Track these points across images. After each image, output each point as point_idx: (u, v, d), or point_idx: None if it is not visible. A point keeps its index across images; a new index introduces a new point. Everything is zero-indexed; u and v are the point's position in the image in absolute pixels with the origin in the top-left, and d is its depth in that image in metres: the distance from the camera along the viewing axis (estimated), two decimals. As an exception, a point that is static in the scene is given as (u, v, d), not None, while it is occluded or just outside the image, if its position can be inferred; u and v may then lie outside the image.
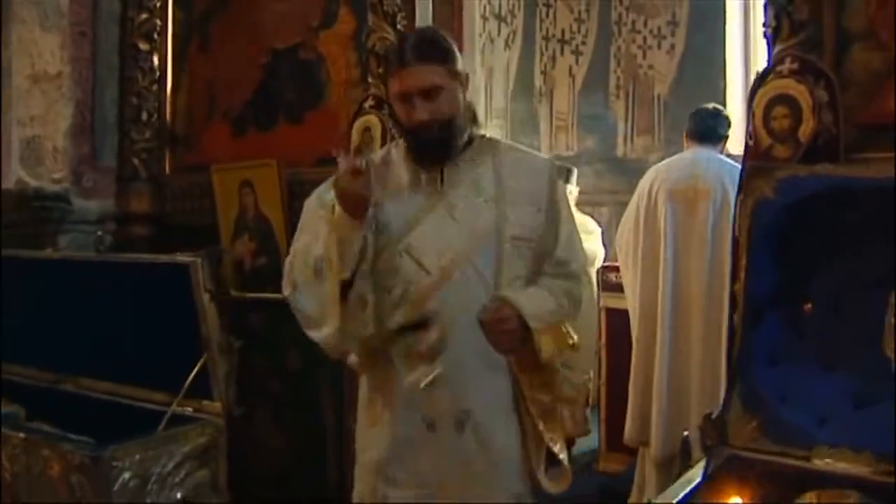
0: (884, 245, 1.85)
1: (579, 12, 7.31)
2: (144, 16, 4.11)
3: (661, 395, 3.93)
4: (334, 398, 3.42)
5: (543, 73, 7.39)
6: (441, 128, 2.13)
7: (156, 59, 4.14)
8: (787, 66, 2.29)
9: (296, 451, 3.59)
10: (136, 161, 4.15)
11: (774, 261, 2.06)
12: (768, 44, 2.37)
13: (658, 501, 1.76)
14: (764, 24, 2.37)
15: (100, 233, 3.35)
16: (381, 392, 2.20)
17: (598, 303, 4.55)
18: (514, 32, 7.11)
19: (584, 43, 7.36)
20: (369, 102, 3.21)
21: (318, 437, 3.51)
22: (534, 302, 2.11)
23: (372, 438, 2.22)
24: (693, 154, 4.05)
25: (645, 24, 7.27)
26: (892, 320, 1.90)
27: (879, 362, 1.89)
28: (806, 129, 2.25)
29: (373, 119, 3.16)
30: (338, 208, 2.04)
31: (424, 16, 3.21)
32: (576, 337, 2.11)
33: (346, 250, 2.05)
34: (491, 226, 2.15)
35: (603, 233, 5.43)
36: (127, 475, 2.54)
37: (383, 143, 3.06)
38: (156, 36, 4.13)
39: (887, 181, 1.76)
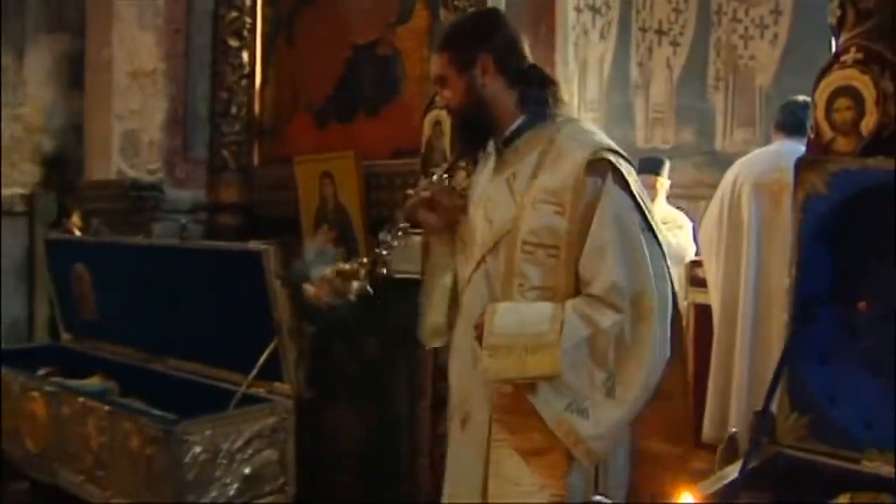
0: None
1: (677, 2, 7.15)
2: (235, 14, 4.29)
3: (741, 392, 3.86)
4: (409, 385, 3.49)
5: (640, 64, 7.27)
6: (456, 117, 2.14)
7: (245, 56, 4.32)
8: (851, 55, 2.20)
9: (371, 433, 3.71)
10: (225, 153, 4.34)
11: (828, 258, 2.00)
12: (834, 34, 2.30)
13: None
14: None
15: (184, 221, 3.53)
16: None
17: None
18: (610, 24, 7.02)
19: (682, 34, 7.21)
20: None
21: (393, 420, 3.61)
22: (512, 317, 1.97)
23: None
24: (779, 147, 3.96)
25: (746, 13, 7.07)
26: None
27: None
28: (869, 122, 2.17)
29: (443, 113, 3.14)
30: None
31: (496, 9, 3.21)
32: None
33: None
34: (508, 226, 2.02)
35: (695, 228, 5.34)
36: (197, 449, 2.69)
37: (452, 137, 3.09)
38: (245, 33, 4.31)
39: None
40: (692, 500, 1.36)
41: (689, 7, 7.17)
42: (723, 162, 6.78)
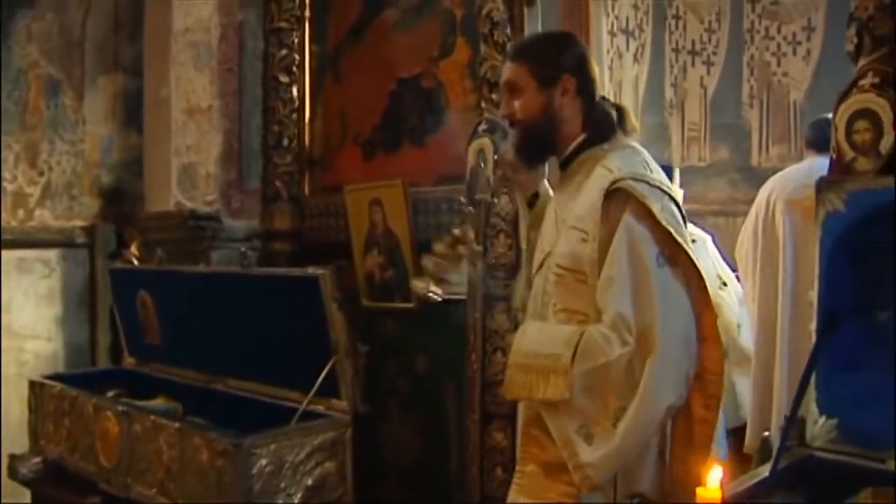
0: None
1: (709, 22, 7.27)
2: (284, 52, 4.51)
3: (781, 404, 3.94)
4: (458, 399, 3.62)
5: (674, 85, 7.38)
6: (521, 130, 2.13)
7: (295, 91, 4.54)
8: (868, 80, 2.34)
9: (422, 444, 3.87)
10: (278, 183, 4.55)
11: (849, 271, 2.14)
12: (852, 61, 2.44)
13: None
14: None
15: (243, 249, 3.70)
16: None
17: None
18: (643, 46, 7.14)
19: (715, 53, 7.30)
20: (483, 126, 3.29)
21: (442, 433, 3.76)
22: (536, 337, 2.04)
23: None
24: (810, 163, 4.05)
25: (779, 30, 7.16)
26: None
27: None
28: (887, 142, 2.30)
29: (486, 142, 3.25)
30: None
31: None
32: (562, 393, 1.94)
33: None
34: (548, 248, 2.11)
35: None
36: (264, 461, 2.86)
37: (495, 164, 3.20)
38: (294, 69, 4.52)
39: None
40: (720, 474, 1.49)
41: (722, 27, 7.28)
42: (759, 178, 6.85)
